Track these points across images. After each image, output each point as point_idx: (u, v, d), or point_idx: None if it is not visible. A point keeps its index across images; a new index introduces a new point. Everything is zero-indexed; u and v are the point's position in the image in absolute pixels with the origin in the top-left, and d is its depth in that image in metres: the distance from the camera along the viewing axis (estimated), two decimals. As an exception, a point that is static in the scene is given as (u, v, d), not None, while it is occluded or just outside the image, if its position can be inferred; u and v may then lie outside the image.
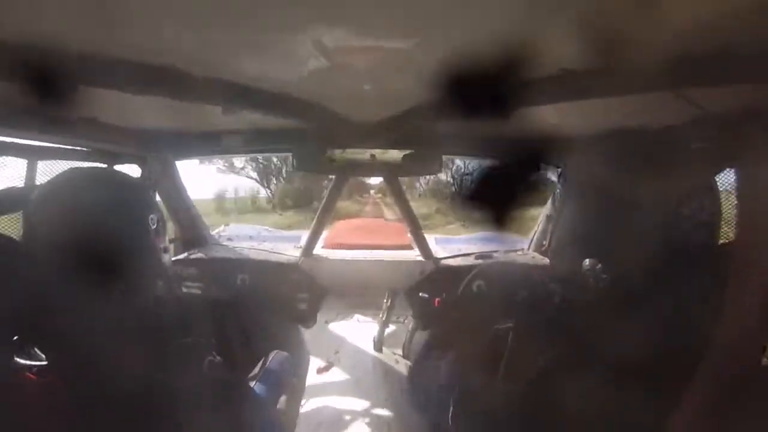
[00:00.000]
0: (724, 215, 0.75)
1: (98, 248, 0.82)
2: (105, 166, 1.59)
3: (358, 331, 2.24)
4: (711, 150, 0.77)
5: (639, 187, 0.69)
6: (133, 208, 0.95)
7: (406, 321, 2.13)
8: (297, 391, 1.51)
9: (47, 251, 0.83)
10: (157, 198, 1.86)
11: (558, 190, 0.87)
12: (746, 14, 0.62)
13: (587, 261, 0.74)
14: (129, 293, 0.90)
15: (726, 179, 0.85)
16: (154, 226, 0.96)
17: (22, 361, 0.78)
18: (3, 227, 1.08)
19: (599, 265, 0.73)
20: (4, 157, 1.26)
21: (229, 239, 2.51)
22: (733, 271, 0.66)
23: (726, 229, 0.76)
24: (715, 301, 0.65)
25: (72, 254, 0.77)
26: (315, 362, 2.02)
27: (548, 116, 1.18)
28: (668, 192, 0.69)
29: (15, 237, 0.87)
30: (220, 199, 17.25)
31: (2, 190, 1.06)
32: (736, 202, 0.74)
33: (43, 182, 0.92)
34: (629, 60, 0.73)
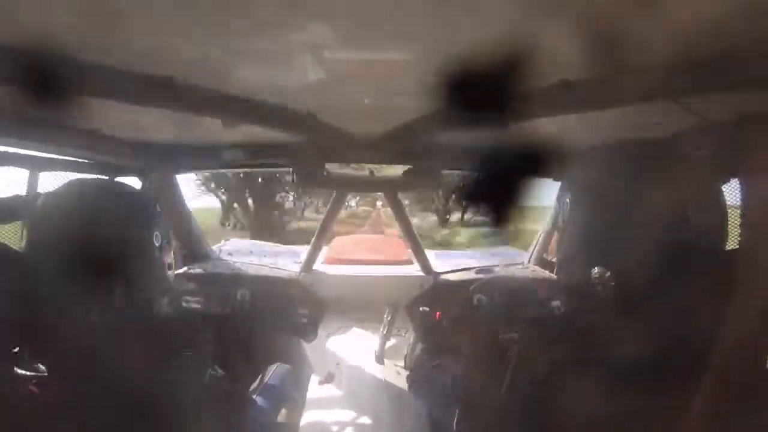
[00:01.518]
0: (730, 222, 0.75)
1: (101, 260, 0.81)
2: (106, 178, 1.59)
3: (358, 344, 2.22)
4: (715, 159, 0.78)
5: (644, 196, 0.70)
6: (138, 221, 0.94)
7: (406, 334, 2.12)
8: (298, 404, 1.50)
9: (50, 261, 0.82)
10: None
11: (562, 203, 0.88)
12: (748, 16, 0.62)
13: (596, 269, 0.75)
14: (131, 305, 0.90)
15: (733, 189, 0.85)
16: (159, 242, 0.95)
17: (23, 372, 0.77)
18: (6, 236, 1.07)
19: (608, 274, 0.74)
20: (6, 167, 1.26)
21: (230, 254, 2.50)
22: (738, 277, 0.66)
23: (732, 235, 0.76)
24: (721, 307, 0.65)
25: (74, 265, 0.77)
26: (316, 375, 2.01)
27: (548, 128, 1.19)
28: (673, 201, 0.69)
29: (17, 246, 0.87)
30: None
31: (5, 198, 1.06)
32: (740, 209, 0.74)
33: (47, 192, 0.92)
34: (630, 67, 0.74)
